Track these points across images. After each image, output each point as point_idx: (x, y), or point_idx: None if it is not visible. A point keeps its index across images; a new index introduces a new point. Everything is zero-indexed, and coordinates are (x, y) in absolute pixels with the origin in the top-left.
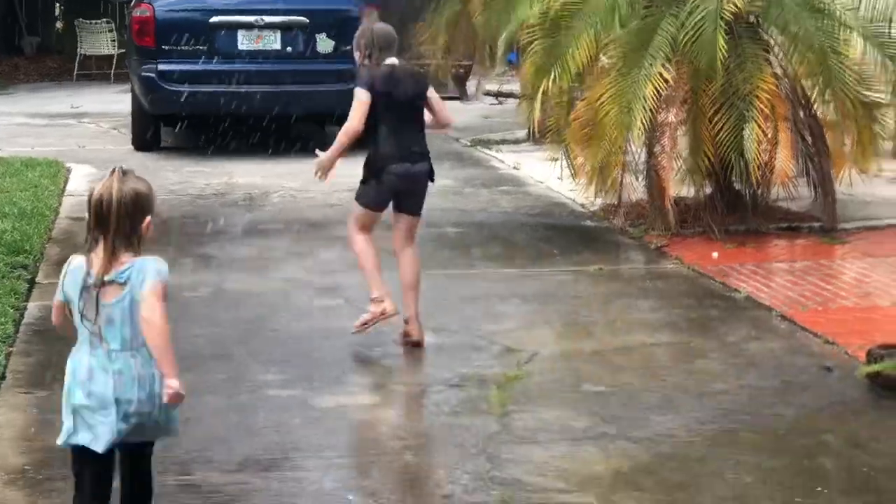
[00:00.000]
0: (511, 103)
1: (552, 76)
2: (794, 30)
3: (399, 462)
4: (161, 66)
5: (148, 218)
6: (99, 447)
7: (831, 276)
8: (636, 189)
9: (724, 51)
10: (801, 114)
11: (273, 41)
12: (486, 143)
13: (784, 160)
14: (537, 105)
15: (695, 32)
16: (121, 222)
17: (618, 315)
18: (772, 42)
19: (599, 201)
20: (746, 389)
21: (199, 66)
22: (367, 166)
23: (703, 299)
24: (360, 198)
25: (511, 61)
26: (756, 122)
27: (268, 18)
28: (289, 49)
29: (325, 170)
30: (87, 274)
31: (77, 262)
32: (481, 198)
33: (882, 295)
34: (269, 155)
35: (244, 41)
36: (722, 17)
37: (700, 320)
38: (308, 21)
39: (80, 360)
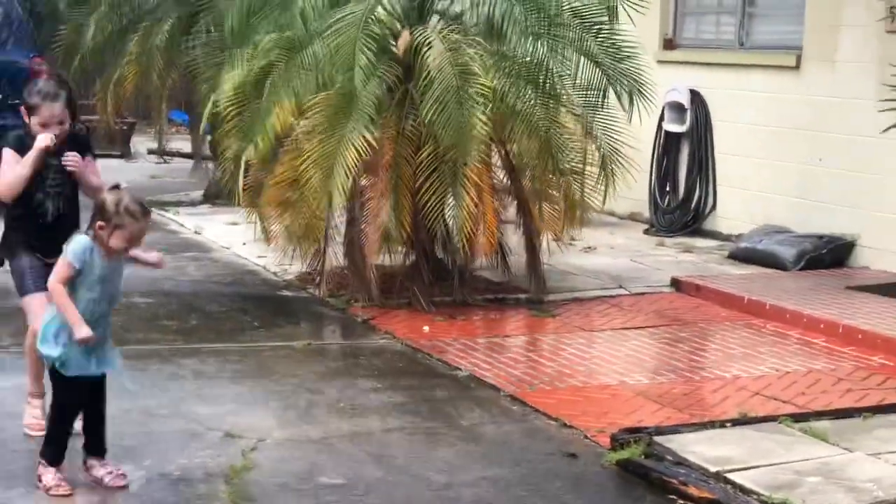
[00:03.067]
0: (177, 162)
1: (255, 143)
2: (513, 102)
3: None
4: None
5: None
6: None
7: (550, 353)
8: (335, 257)
9: (480, 127)
10: (507, 182)
11: None
12: (162, 205)
13: (489, 231)
14: (241, 173)
15: (441, 105)
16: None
17: (339, 396)
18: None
19: (294, 269)
20: (491, 481)
21: None
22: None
23: (425, 378)
24: None
25: (174, 119)
26: (465, 190)
27: None
28: None
29: None
30: None
31: None
32: (167, 265)
33: (606, 372)
34: None
35: None
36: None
37: (428, 402)
38: None
39: None
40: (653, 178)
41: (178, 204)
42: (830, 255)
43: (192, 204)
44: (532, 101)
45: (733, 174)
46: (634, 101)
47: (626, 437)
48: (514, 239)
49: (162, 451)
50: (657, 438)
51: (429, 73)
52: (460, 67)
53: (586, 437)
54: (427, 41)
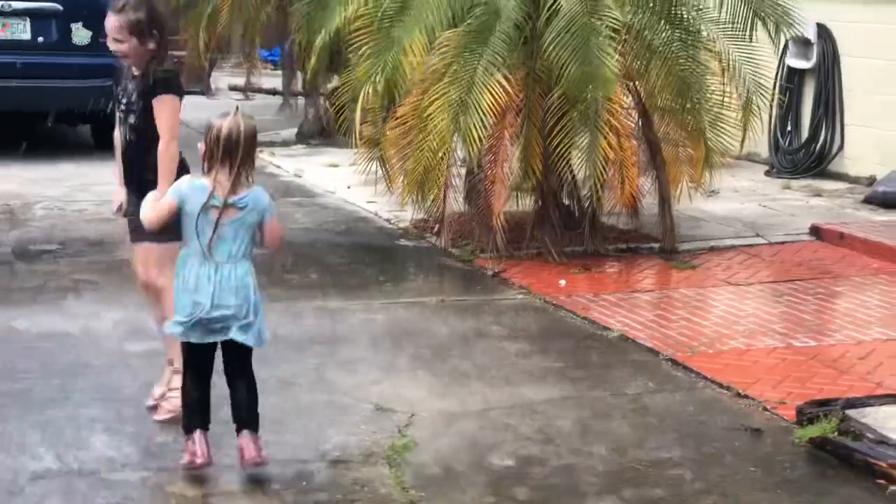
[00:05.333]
0: (260, 99)
1: (378, 80)
2: (650, 38)
3: None
4: None
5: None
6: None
7: (701, 310)
8: (455, 203)
9: (612, 63)
10: (639, 123)
11: (22, 30)
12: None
13: (631, 178)
14: (358, 110)
15: (567, 38)
16: (245, 154)
17: (488, 361)
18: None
19: (407, 216)
20: (675, 463)
21: None
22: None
23: (575, 339)
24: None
25: (265, 58)
26: (602, 134)
27: (16, 4)
28: (40, 39)
29: None
30: (211, 196)
31: (200, 182)
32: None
33: (767, 332)
34: (20, 158)
35: None
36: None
37: (584, 367)
38: (61, 8)
39: (189, 271)
40: (773, 116)
41: (271, 144)
42: None
43: (286, 144)
44: (669, 37)
45: (863, 113)
46: (782, 35)
47: (814, 411)
48: (644, 183)
49: (311, 427)
50: (849, 412)
51: (553, 3)
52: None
53: (765, 408)
54: None
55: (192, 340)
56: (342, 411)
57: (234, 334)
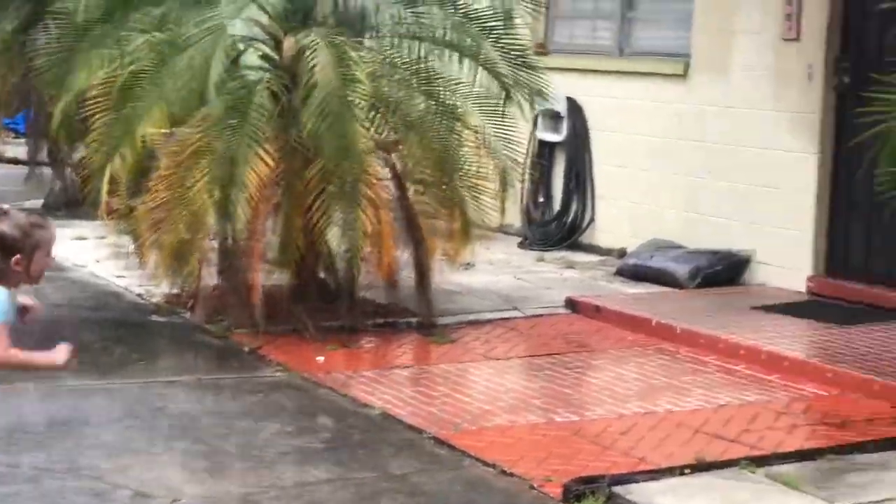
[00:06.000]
0: (2, 167)
1: (118, 154)
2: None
3: None
4: None
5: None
6: None
7: (462, 386)
8: (210, 278)
9: (362, 140)
10: (399, 199)
11: None
12: None
13: (389, 251)
14: (105, 185)
15: (324, 112)
16: None
17: (248, 441)
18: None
19: (159, 291)
20: None
21: None
22: None
23: (336, 418)
24: None
25: (7, 125)
26: (361, 209)
27: None
28: None
29: None
30: None
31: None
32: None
33: (528, 408)
34: None
35: None
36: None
37: (347, 447)
38: None
39: None
40: (525, 189)
41: None
42: (726, 271)
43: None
44: (426, 110)
45: (614, 186)
46: (533, 109)
47: (580, 489)
48: (401, 256)
49: None
50: (615, 489)
51: (309, 79)
52: (343, 73)
53: (532, 486)
54: (312, 45)
55: None
56: (99, 497)
57: None
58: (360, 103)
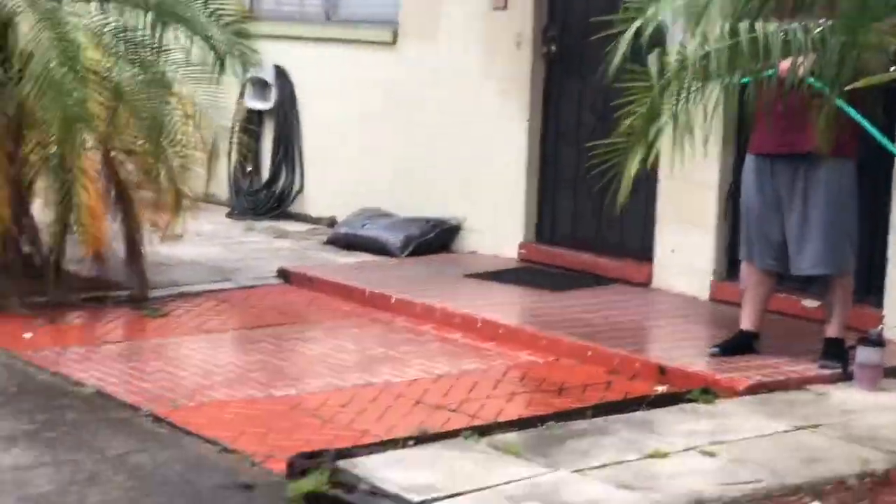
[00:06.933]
0: None
1: None
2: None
3: None
4: None
5: None
6: None
7: (177, 361)
8: None
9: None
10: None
11: None
12: None
13: (97, 223)
14: None
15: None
16: None
17: None
18: None
19: None
20: None
21: None
22: None
23: (47, 397)
24: None
25: None
26: (80, 183)
27: None
28: None
29: None
30: None
31: None
32: None
33: (245, 381)
34: None
35: None
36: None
37: (60, 427)
38: None
39: None
40: (232, 158)
41: None
42: (439, 239)
43: None
44: (133, 79)
45: (325, 155)
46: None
47: (305, 464)
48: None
49: None
50: (340, 464)
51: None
52: (62, 40)
53: (254, 463)
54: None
55: None
56: None
57: None
58: (82, 71)
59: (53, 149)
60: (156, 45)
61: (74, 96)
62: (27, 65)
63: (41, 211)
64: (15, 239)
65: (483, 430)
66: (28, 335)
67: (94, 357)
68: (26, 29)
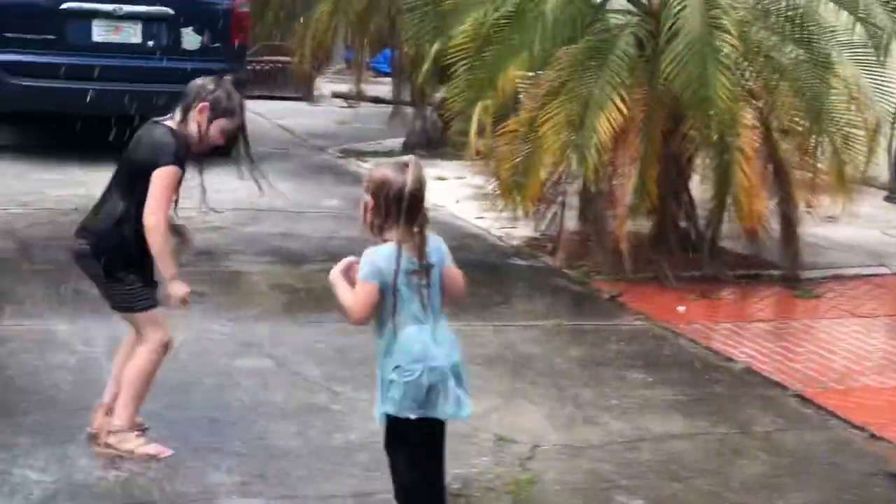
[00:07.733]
0: (365, 107)
1: (485, 97)
2: (778, 58)
3: None
4: (4, 57)
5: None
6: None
7: (827, 343)
8: (569, 222)
9: (726, 90)
10: (764, 148)
11: (133, 34)
12: (359, 155)
13: (757, 201)
14: (473, 127)
15: (686, 60)
16: (426, 211)
17: (608, 390)
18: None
19: (518, 234)
20: None
21: (47, 59)
22: None
23: (698, 371)
24: None
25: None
26: (734, 159)
27: (127, 8)
28: (150, 43)
29: None
30: (409, 260)
31: (388, 250)
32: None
33: None
34: None
35: (100, 32)
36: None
37: (709, 400)
38: (173, 13)
39: (413, 339)
40: (894, 142)
41: (375, 154)
42: None
43: (391, 154)
44: (797, 58)
45: None
46: None
47: None
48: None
49: None
50: None
51: (673, 24)
52: (710, 19)
53: None
54: None
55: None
56: (463, 441)
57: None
58: (725, 52)
59: (713, 126)
60: (821, 26)
61: (708, 78)
62: (672, 41)
63: (698, 187)
64: (672, 214)
65: None
66: (681, 308)
67: (744, 333)
68: (683, 6)
